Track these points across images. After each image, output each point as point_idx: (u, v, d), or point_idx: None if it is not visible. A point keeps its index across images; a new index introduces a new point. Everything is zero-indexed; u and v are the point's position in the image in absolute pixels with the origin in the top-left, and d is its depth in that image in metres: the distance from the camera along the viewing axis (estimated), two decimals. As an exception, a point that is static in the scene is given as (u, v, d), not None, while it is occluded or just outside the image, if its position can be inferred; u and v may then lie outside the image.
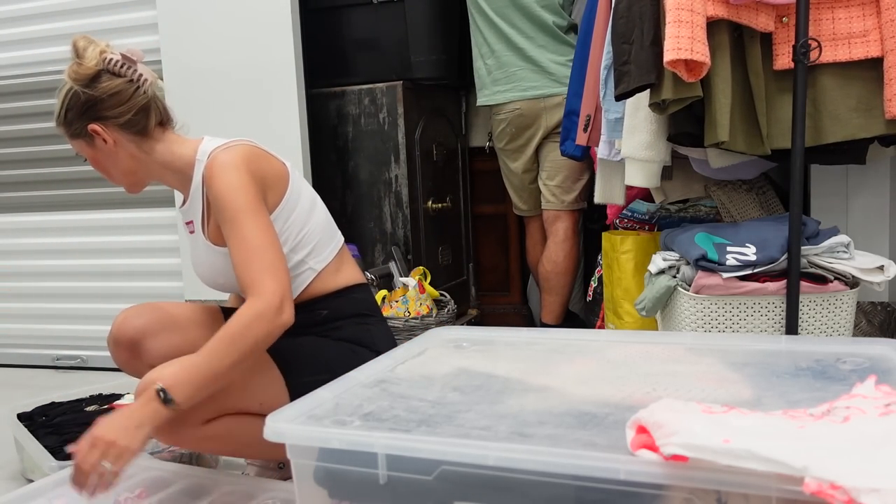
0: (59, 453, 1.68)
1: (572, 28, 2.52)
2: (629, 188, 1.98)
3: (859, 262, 1.54)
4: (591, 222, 2.77)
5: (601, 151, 1.90)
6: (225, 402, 1.32)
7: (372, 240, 2.66)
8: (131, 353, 1.52)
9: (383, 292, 2.39)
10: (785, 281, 1.52)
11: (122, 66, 1.42)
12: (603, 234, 2.10)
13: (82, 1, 2.76)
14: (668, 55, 1.37)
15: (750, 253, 1.54)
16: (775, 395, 0.91)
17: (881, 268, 1.53)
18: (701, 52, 1.37)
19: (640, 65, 1.47)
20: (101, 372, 2.83)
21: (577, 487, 0.76)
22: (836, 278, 1.55)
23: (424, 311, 2.35)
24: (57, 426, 1.86)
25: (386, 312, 2.28)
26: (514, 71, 2.52)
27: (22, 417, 1.91)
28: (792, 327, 1.51)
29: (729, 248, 1.56)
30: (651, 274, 1.71)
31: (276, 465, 1.59)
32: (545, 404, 0.93)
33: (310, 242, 1.48)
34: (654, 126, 1.60)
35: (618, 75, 1.53)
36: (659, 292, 1.65)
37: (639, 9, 1.48)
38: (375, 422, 0.90)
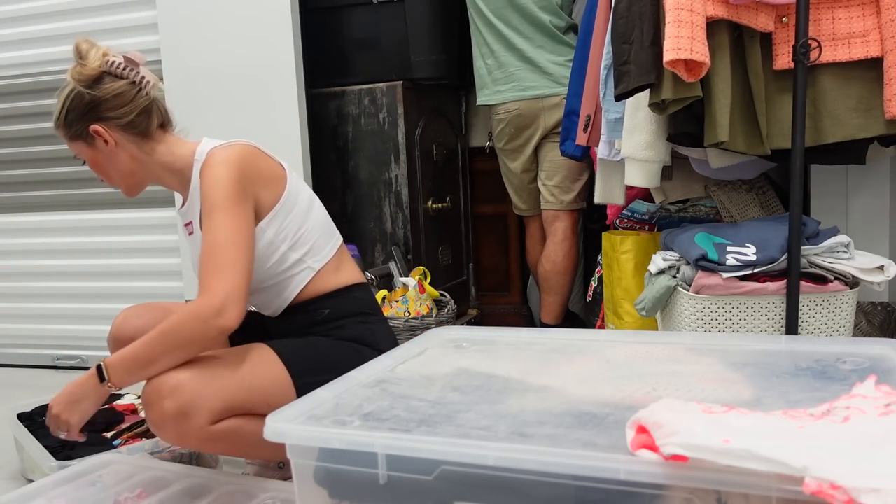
0: (59, 453, 1.67)
1: (571, 28, 2.52)
2: (629, 188, 1.98)
3: (859, 262, 1.54)
4: (591, 222, 2.77)
5: (601, 151, 1.90)
6: (232, 403, 1.32)
7: (372, 240, 2.66)
8: None
9: (383, 292, 2.39)
10: (785, 281, 1.52)
11: (124, 69, 1.43)
12: (603, 234, 2.10)
13: (82, 1, 2.76)
14: (668, 55, 1.37)
15: (750, 253, 1.54)
16: (775, 395, 0.91)
17: (881, 268, 1.53)
18: (701, 52, 1.38)
19: (639, 65, 1.47)
20: (101, 372, 2.83)
21: (577, 487, 0.76)
22: (836, 278, 1.55)
23: (424, 311, 2.35)
24: (57, 426, 1.85)
25: (386, 312, 2.28)
26: (512, 71, 2.52)
27: (22, 417, 1.91)
28: (792, 327, 1.51)
29: (729, 248, 1.56)
30: (651, 274, 1.71)
31: (276, 464, 1.59)
32: (545, 404, 0.93)
33: (307, 242, 1.48)
34: (654, 126, 1.60)
35: (617, 75, 1.53)
36: (659, 292, 1.65)
37: (638, 9, 1.48)
38: (375, 422, 0.90)
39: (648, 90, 1.50)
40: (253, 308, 1.61)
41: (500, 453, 0.78)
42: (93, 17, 2.76)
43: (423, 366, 1.15)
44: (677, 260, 1.66)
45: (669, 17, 1.38)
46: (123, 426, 1.86)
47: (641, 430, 0.74)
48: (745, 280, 1.54)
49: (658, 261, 1.69)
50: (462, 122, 3.05)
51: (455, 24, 2.73)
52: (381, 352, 1.33)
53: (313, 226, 1.50)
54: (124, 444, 1.73)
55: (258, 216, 1.42)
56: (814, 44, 1.43)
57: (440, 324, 2.29)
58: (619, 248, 1.97)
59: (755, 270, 1.53)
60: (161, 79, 2.54)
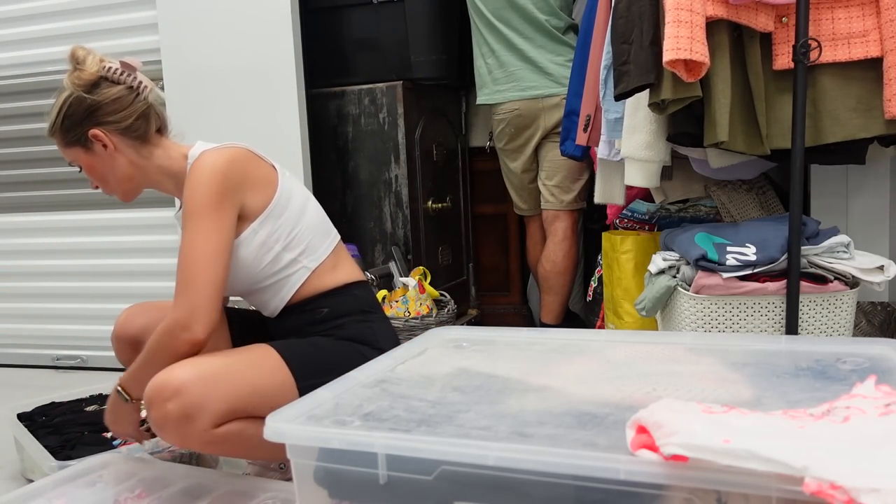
0: (59, 453, 1.68)
1: (571, 28, 2.52)
2: (629, 188, 1.98)
3: (859, 262, 1.54)
4: (591, 222, 2.77)
5: (601, 151, 1.90)
6: (236, 407, 1.32)
7: (372, 240, 2.66)
8: (134, 351, 1.56)
9: (383, 292, 2.39)
10: (785, 281, 1.52)
11: (121, 74, 1.45)
12: (603, 234, 2.10)
13: (82, 1, 2.76)
14: (668, 55, 1.37)
15: (750, 253, 1.54)
16: (775, 395, 0.91)
17: (881, 268, 1.53)
18: (700, 52, 1.38)
19: (639, 65, 1.47)
20: (101, 372, 2.83)
21: (577, 487, 0.76)
22: (836, 278, 1.55)
23: (424, 311, 2.35)
24: (57, 426, 1.86)
25: (386, 312, 2.28)
26: (513, 70, 2.52)
27: (22, 417, 1.91)
28: (792, 327, 1.51)
29: (729, 248, 1.56)
30: (651, 274, 1.71)
31: (278, 465, 1.59)
32: (545, 404, 0.93)
33: (302, 242, 1.48)
34: (654, 126, 1.60)
35: (617, 75, 1.53)
36: (659, 292, 1.65)
37: (638, 9, 1.48)
38: (375, 422, 0.90)
39: (648, 90, 1.50)
40: (253, 308, 1.62)
41: (500, 453, 0.78)
42: (93, 17, 2.76)
43: (423, 366, 1.15)
44: (677, 260, 1.66)
45: (669, 17, 1.38)
46: (123, 426, 1.86)
47: (641, 430, 0.74)
48: (745, 280, 1.54)
49: (658, 261, 1.69)
50: (462, 122, 3.05)
51: (455, 24, 2.73)
52: (381, 351, 1.33)
53: (307, 225, 1.50)
54: (124, 444, 1.73)
55: (247, 219, 1.42)
56: (814, 44, 1.43)
57: (440, 324, 2.29)
58: (619, 248, 1.97)
59: (755, 270, 1.53)
60: (161, 79, 2.56)
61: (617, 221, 2.17)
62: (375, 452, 0.85)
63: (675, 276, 1.65)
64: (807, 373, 0.99)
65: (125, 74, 1.45)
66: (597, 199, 2.05)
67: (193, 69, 2.53)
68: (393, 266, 2.54)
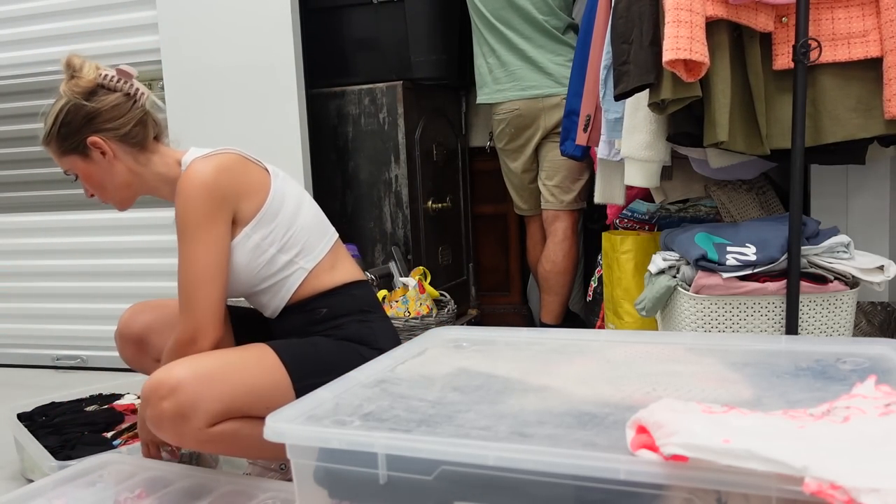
0: (59, 453, 1.68)
1: (571, 28, 2.52)
2: (629, 188, 1.98)
3: (859, 262, 1.54)
4: (591, 222, 2.78)
5: (601, 151, 1.90)
6: (231, 406, 1.32)
7: (372, 240, 2.66)
8: (137, 349, 1.59)
9: (383, 292, 2.39)
10: (785, 281, 1.52)
11: (118, 81, 1.45)
12: (603, 234, 2.10)
13: (82, 1, 2.76)
14: (668, 55, 1.37)
15: (750, 253, 1.54)
16: (775, 395, 0.91)
17: (881, 268, 1.53)
18: (700, 52, 1.37)
19: (639, 65, 1.47)
20: (101, 372, 2.83)
21: (577, 487, 0.76)
22: (836, 278, 1.55)
23: (424, 311, 2.35)
24: (57, 426, 1.86)
25: (386, 313, 2.28)
26: (514, 70, 2.52)
27: (22, 417, 1.91)
28: (792, 327, 1.51)
29: (729, 248, 1.56)
30: (651, 274, 1.71)
31: (278, 465, 1.59)
32: (545, 404, 0.93)
33: (297, 243, 1.48)
34: (654, 126, 1.60)
35: (617, 75, 1.53)
36: (659, 292, 1.65)
37: (638, 9, 1.48)
38: (375, 422, 0.90)
39: (648, 90, 1.50)
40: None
41: (500, 453, 0.78)
42: (93, 17, 2.75)
43: (423, 366, 1.15)
44: (677, 260, 1.66)
45: (669, 17, 1.38)
46: (123, 426, 1.86)
47: (641, 430, 0.74)
48: (745, 280, 1.54)
49: (658, 261, 1.69)
50: (462, 122, 3.05)
51: (455, 24, 2.73)
52: (381, 350, 1.33)
53: (303, 226, 1.49)
54: (124, 444, 1.73)
55: (240, 224, 1.42)
56: (813, 44, 1.43)
57: (440, 324, 2.29)
58: (619, 248, 1.97)
59: (755, 270, 1.53)
60: (161, 79, 2.56)
61: (617, 221, 2.17)
62: (375, 452, 0.85)
63: (675, 276, 1.65)
64: (807, 373, 0.99)
65: (122, 82, 1.45)
66: (597, 199, 2.05)
67: (193, 69, 2.53)
68: (393, 266, 2.54)
